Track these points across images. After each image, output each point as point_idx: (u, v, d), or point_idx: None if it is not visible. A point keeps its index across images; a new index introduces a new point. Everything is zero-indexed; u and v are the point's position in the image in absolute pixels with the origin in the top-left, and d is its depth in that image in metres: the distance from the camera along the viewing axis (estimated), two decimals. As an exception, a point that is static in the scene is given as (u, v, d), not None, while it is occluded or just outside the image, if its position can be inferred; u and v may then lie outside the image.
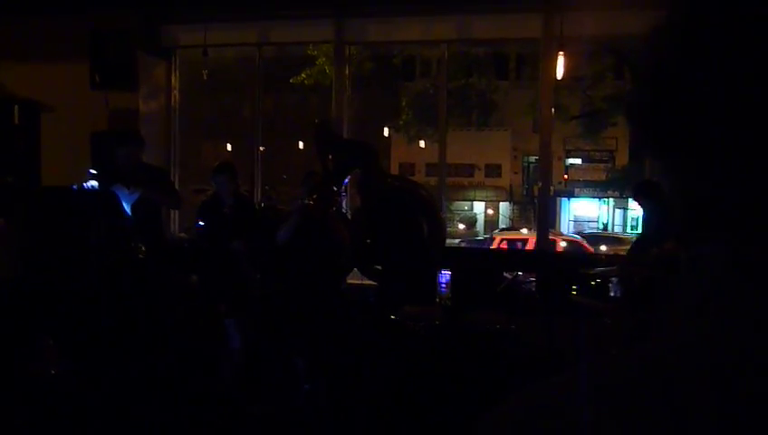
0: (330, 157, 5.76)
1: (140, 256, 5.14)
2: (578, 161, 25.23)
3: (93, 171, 5.56)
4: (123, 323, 4.72)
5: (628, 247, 6.94)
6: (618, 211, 26.97)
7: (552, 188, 9.72)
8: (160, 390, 4.55)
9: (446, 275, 6.25)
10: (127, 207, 5.22)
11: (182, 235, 7.54)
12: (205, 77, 7.94)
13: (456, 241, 22.15)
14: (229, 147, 19.87)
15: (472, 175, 27.26)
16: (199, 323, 5.38)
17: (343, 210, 6.10)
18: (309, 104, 18.14)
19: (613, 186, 24.36)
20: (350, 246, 5.38)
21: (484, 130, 25.28)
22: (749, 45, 0.52)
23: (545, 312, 5.27)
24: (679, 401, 0.50)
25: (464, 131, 23.58)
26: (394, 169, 22.64)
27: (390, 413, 4.38)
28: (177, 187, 6.72)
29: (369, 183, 5.73)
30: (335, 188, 5.40)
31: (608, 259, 7.19)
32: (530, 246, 15.92)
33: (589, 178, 24.99)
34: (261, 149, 7.92)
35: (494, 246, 16.49)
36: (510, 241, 18.58)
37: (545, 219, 7.77)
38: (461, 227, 27.66)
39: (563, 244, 17.35)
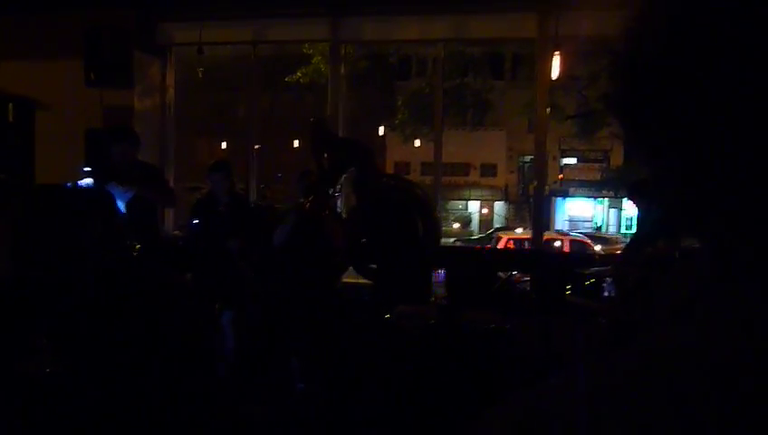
0: (325, 156, 5.75)
1: (135, 254, 5.12)
2: (573, 161, 25.30)
3: (87, 169, 5.54)
4: (118, 321, 4.70)
5: (622, 247, 6.96)
6: (612, 211, 27.05)
7: (547, 187, 9.73)
8: (155, 389, 4.54)
9: (441, 274, 6.25)
10: (121, 206, 5.20)
11: (177, 233, 7.52)
12: (200, 75, 7.93)
13: (452, 240, 22.20)
14: (224, 145, 19.85)
15: (467, 174, 27.32)
16: (194, 321, 5.37)
17: (338, 209, 6.10)
18: (304, 103, 18.13)
19: (608, 186, 24.43)
20: (345, 245, 5.37)
21: (479, 129, 25.32)
22: (737, 38, 0.51)
23: (540, 311, 5.28)
24: (678, 402, 0.50)
25: (459, 131, 23.60)
26: (389, 168, 22.66)
27: (385, 413, 4.38)
28: (171, 185, 6.71)
29: (364, 182, 5.72)
30: (330, 192, 5.41)
31: (602, 259, 7.20)
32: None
33: (584, 178, 25.05)
34: (256, 147, 7.91)
35: (501, 245, 16.53)
36: (516, 241, 18.60)
37: (540, 219, 7.78)
38: (456, 226, 27.70)
39: (569, 244, 17.41)
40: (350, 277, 5.98)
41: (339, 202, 6.16)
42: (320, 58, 11.94)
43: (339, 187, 5.87)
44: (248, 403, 4.82)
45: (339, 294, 5.55)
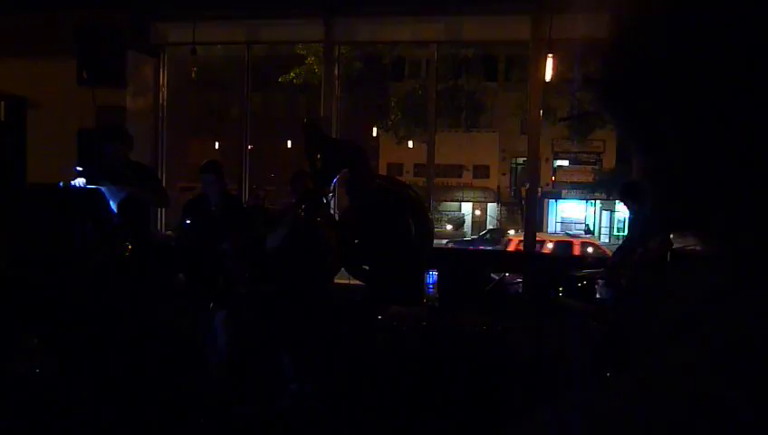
0: (318, 156, 5.75)
1: (127, 254, 5.11)
2: (565, 163, 25.35)
3: (80, 169, 5.51)
4: (109, 322, 4.69)
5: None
6: (604, 213, 27.13)
7: (539, 189, 9.75)
8: (146, 389, 4.53)
9: (433, 275, 6.25)
10: (113, 206, 5.19)
11: (169, 233, 7.50)
12: (193, 75, 7.91)
13: (444, 242, 22.21)
14: (217, 145, 19.82)
15: (460, 176, 27.35)
16: (186, 322, 5.36)
17: (331, 210, 6.10)
18: (297, 103, 18.13)
19: (600, 188, 24.50)
20: (338, 246, 5.37)
21: (472, 131, 25.37)
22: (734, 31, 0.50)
23: (532, 313, 5.29)
24: (715, 409, 0.47)
25: (452, 132, 23.64)
26: (382, 170, 22.69)
27: (376, 414, 4.38)
28: (164, 185, 6.68)
29: (357, 183, 5.73)
30: (324, 200, 5.42)
31: (595, 261, 7.23)
32: (546, 249, 16.05)
33: (576, 180, 25.10)
34: (249, 147, 7.90)
35: (512, 248, 16.59)
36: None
37: (532, 221, 7.80)
38: (449, 227, 27.73)
39: (579, 245, 17.47)
40: (341, 278, 5.98)
41: (332, 203, 6.16)
42: (313, 59, 11.93)
43: (332, 188, 5.86)
44: (241, 404, 4.81)
45: (331, 294, 5.55)
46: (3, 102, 7.02)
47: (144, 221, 5.75)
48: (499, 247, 18.98)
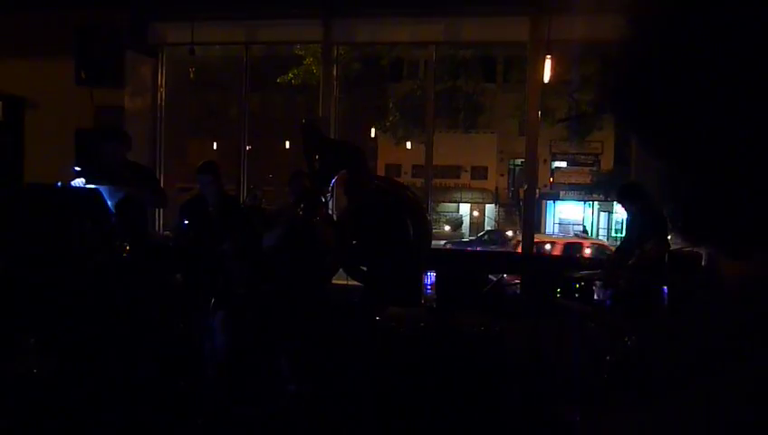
0: (316, 157, 5.75)
1: (124, 254, 5.10)
2: (563, 164, 25.37)
3: (78, 168, 5.50)
4: (107, 322, 4.68)
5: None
6: (602, 214, 27.16)
7: (537, 190, 9.76)
8: (144, 389, 4.52)
9: (431, 276, 6.25)
10: (111, 206, 5.18)
11: (167, 234, 7.49)
12: (191, 75, 7.90)
13: (442, 243, 22.21)
14: (215, 145, 19.80)
15: (458, 177, 27.37)
16: (184, 322, 5.35)
17: (329, 211, 6.10)
18: (296, 104, 18.11)
19: (598, 189, 24.53)
20: (336, 246, 5.37)
21: (470, 132, 25.38)
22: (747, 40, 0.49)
23: (530, 314, 5.29)
24: None
25: (451, 133, 23.65)
26: (381, 170, 22.67)
27: (374, 415, 4.38)
28: (162, 185, 6.68)
29: (355, 184, 5.73)
30: (323, 199, 5.42)
31: (592, 262, 7.23)
32: (557, 250, 16.07)
33: (574, 182, 25.12)
34: (247, 148, 7.90)
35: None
36: (538, 244, 18.66)
37: (530, 222, 7.80)
38: (447, 228, 27.73)
39: (589, 247, 17.52)
40: (339, 279, 5.98)
41: (330, 204, 6.16)
42: (311, 59, 11.92)
43: (330, 189, 5.86)
44: (238, 404, 4.80)
45: (329, 295, 5.55)
46: (1, 102, 7.01)
47: (142, 221, 5.74)
48: (500, 248, 19.00)
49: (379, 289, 5.57)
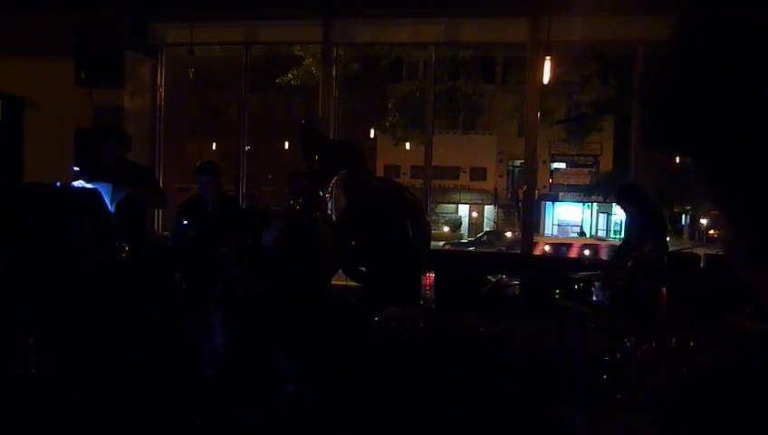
0: (316, 157, 5.75)
1: (123, 255, 5.10)
2: (562, 166, 25.40)
3: (77, 168, 5.50)
4: (106, 322, 4.68)
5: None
6: (601, 216, 27.18)
7: (536, 191, 9.77)
8: (144, 389, 4.52)
9: (430, 277, 6.25)
10: (110, 206, 5.18)
11: (166, 234, 7.49)
12: (191, 75, 7.91)
13: (441, 243, 22.22)
14: (215, 146, 19.80)
15: (457, 178, 27.37)
16: (183, 322, 5.35)
17: (329, 211, 6.10)
18: (295, 104, 18.12)
19: (597, 190, 24.56)
20: (335, 247, 5.37)
21: (470, 133, 25.38)
22: None
23: (529, 315, 5.29)
24: None
25: (450, 134, 23.66)
26: (380, 171, 22.65)
27: (373, 415, 4.38)
28: (161, 185, 6.68)
29: (354, 184, 5.73)
30: (321, 193, 5.41)
31: (591, 263, 7.23)
32: (574, 252, 16.10)
33: (573, 183, 25.16)
34: (246, 148, 7.90)
35: (538, 251, 16.70)
36: (555, 245, 18.71)
37: (529, 223, 7.81)
38: (446, 229, 27.74)
39: (605, 249, 17.59)
40: (339, 279, 5.98)
41: (329, 204, 6.16)
42: (311, 60, 11.92)
43: (329, 189, 5.86)
44: (238, 405, 4.80)
45: (328, 296, 5.54)
46: (0, 102, 7.00)
47: (141, 222, 5.74)
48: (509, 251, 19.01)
49: (378, 289, 5.57)
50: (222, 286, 5.36)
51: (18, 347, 4.18)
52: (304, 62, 12.29)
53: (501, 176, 28.06)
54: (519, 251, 8.00)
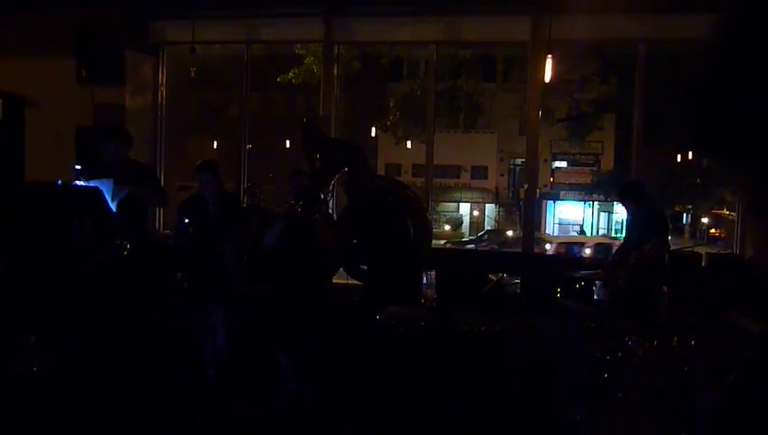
0: (317, 156, 5.75)
1: (125, 253, 5.09)
2: (564, 164, 25.38)
3: (78, 167, 5.50)
4: (107, 321, 4.68)
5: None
6: (602, 214, 27.18)
7: (537, 190, 9.77)
8: (145, 388, 4.52)
9: (431, 275, 6.25)
10: (111, 204, 5.17)
11: (167, 232, 7.49)
12: (192, 74, 7.90)
13: (442, 242, 22.23)
14: (215, 144, 19.78)
15: (458, 176, 27.38)
16: (184, 321, 5.35)
17: (330, 210, 6.10)
18: (296, 103, 18.12)
19: (598, 189, 24.54)
20: (336, 246, 5.37)
21: (471, 131, 25.37)
22: None
23: (530, 314, 5.29)
24: None
25: (451, 133, 23.65)
26: (381, 170, 22.67)
27: (374, 414, 4.38)
28: (163, 184, 6.67)
29: (355, 183, 5.72)
30: (321, 195, 5.42)
31: (592, 262, 7.23)
32: (589, 250, 16.11)
33: (574, 182, 25.15)
34: (248, 147, 7.90)
35: (553, 251, 16.69)
36: (568, 244, 18.75)
37: (531, 222, 7.80)
38: (447, 228, 27.75)
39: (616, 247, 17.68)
40: (339, 279, 5.98)
41: (330, 203, 6.16)
42: (312, 58, 11.91)
43: (330, 188, 5.86)
44: (238, 403, 4.80)
45: (329, 294, 5.55)
46: (1, 100, 7.00)
47: (142, 221, 5.74)
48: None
49: (379, 288, 5.56)
50: (222, 285, 5.36)
51: (19, 347, 4.18)
52: (305, 61, 12.27)
53: (502, 174, 28.06)
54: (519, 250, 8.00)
